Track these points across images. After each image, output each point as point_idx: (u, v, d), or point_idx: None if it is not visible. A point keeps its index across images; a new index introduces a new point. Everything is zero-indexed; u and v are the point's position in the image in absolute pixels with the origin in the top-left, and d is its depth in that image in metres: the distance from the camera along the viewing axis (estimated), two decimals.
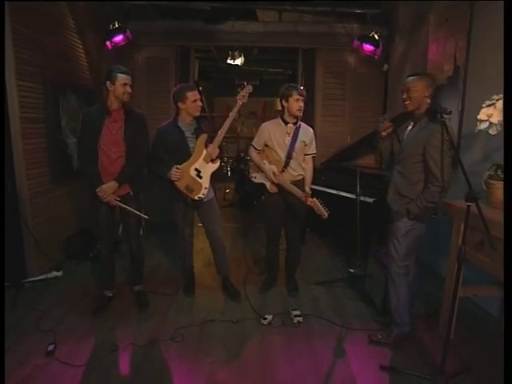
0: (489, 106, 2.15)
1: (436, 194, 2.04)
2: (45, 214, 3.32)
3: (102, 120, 2.44)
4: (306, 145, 2.79)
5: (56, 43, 3.41)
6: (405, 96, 2.14)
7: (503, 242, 1.63)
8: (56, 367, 2.09)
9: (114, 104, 2.45)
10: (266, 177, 2.77)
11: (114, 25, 3.85)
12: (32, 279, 3.09)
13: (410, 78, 2.16)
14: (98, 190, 2.44)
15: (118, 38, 3.89)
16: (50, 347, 2.22)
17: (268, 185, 2.80)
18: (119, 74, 2.39)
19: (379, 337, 2.36)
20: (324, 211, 2.50)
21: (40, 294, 2.93)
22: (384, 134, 2.30)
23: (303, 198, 2.58)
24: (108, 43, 3.91)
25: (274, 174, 2.71)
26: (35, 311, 2.64)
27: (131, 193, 2.59)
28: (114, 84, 2.39)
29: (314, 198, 2.54)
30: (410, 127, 2.24)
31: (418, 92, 2.10)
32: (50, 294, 2.94)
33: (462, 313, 2.42)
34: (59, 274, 3.24)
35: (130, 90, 2.44)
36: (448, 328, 1.88)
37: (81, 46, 3.85)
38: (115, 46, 3.94)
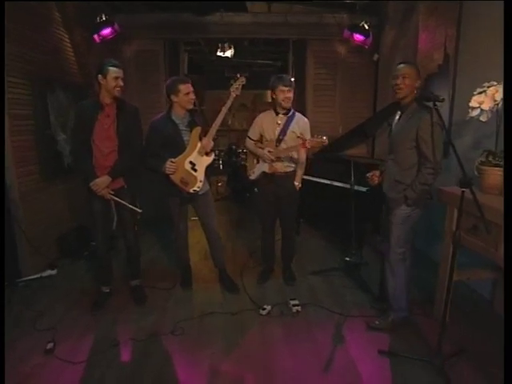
0: (480, 93, 2.18)
1: (429, 176, 2.09)
2: (37, 212, 3.27)
3: (95, 114, 2.41)
4: (297, 136, 2.80)
5: (42, 37, 3.33)
6: (398, 82, 2.13)
7: (503, 234, 1.66)
8: (56, 365, 2.08)
9: (106, 98, 2.42)
10: (262, 158, 2.78)
11: (102, 17, 3.77)
12: (26, 278, 3.05)
13: (403, 65, 2.17)
14: (91, 184, 2.42)
15: (106, 31, 3.81)
16: (49, 345, 2.21)
17: (267, 167, 2.81)
18: (110, 68, 2.36)
19: (376, 323, 2.41)
20: (322, 139, 2.51)
21: (35, 293, 2.90)
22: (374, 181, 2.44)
23: (301, 146, 2.63)
24: (96, 36, 3.83)
25: (269, 151, 2.72)
26: (31, 310, 2.62)
27: (125, 186, 2.57)
28: (105, 78, 2.36)
29: (309, 139, 2.59)
30: (397, 117, 2.28)
31: (412, 80, 2.12)
32: (45, 292, 2.91)
33: (455, 296, 2.48)
34: (54, 272, 3.21)
35: (121, 84, 2.41)
36: (444, 311, 1.93)
37: (68, 40, 3.75)
38: (103, 39, 3.86)
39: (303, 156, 2.87)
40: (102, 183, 2.43)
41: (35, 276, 3.10)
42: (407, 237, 2.25)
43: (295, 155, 2.84)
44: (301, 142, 2.62)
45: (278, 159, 2.76)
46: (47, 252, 3.35)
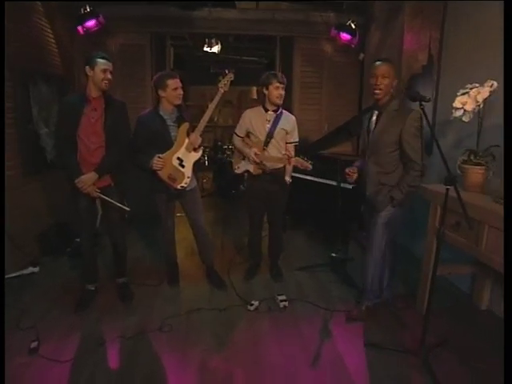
0: (463, 94, 2.24)
1: (417, 178, 2.14)
2: (18, 208, 3.17)
3: (81, 108, 2.35)
4: (287, 133, 2.82)
5: (23, 27, 3.22)
6: (378, 82, 2.08)
7: (503, 238, 1.68)
8: (41, 364, 2.04)
9: (93, 91, 2.37)
10: (249, 159, 2.78)
11: (86, 9, 3.67)
12: (7, 276, 2.96)
13: (381, 63, 2.09)
14: (76, 181, 2.36)
15: (91, 23, 3.70)
16: (33, 344, 2.16)
17: (252, 168, 2.81)
18: (99, 60, 2.32)
19: (354, 313, 2.49)
20: (308, 164, 2.53)
21: (17, 291, 2.82)
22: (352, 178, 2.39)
23: (286, 162, 2.64)
24: (80, 28, 3.72)
25: (255, 154, 2.72)
26: (13, 309, 2.54)
27: (112, 184, 2.53)
28: (93, 69, 2.31)
29: (296, 157, 2.59)
30: (374, 117, 2.22)
31: (391, 79, 2.09)
32: (28, 290, 2.84)
33: (435, 290, 2.57)
34: (36, 269, 3.13)
35: (109, 77, 2.36)
36: (428, 304, 2.00)
37: (50, 31, 3.64)
38: (87, 31, 3.76)
39: (292, 153, 2.88)
40: (88, 180, 2.37)
41: (16, 273, 3.02)
42: (393, 235, 2.32)
43: (283, 152, 2.84)
44: (286, 157, 2.66)
45: (262, 163, 2.75)
46: (28, 249, 3.26)
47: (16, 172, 3.16)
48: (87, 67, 2.32)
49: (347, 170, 2.40)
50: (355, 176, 2.39)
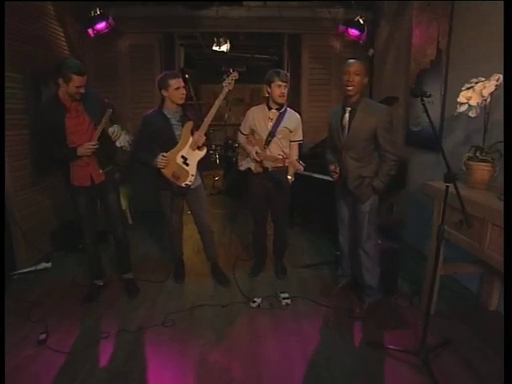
0: (468, 88, 2.18)
1: (393, 167, 2.29)
2: (31, 206, 3.29)
3: (63, 117, 2.33)
4: (290, 131, 2.81)
5: (34, 30, 3.32)
6: (350, 79, 2.21)
7: (504, 236, 1.66)
8: (48, 355, 2.12)
9: (70, 97, 2.34)
10: (250, 157, 2.79)
11: (96, 11, 3.75)
12: (21, 271, 3.08)
13: (353, 61, 2.26)
14: (78, 151, 2.35)
15: (101, 26, 3.78)
16: (42, 336, 2.25)
17: (253, 166, 2.82)
18: (74, 76, 2.22)
19: (357, 311, 2.49)
20: (300, 166, 2.49)
21: (30, 285, 2.93)
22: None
23: (283, 162, 2.62)
24: (90, 31, 3.81)
25: (256, 152, 2.72)
26: (25, 302, 2.65)
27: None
28: (67, 84, 2.25)
29: (288, 160, 2.57)
30: (347, 114, 2.32)
31: (362, 77, 2.22)
32: (40, 285, 2.94)
33: (443, 289, 2.53)
34: (48, 265, 3.24)
35: (82, 91, 2.30)
36: (428, 303, 1.96)
37: (61, 34, 3.75)
38: (98, 33, 3.84)
39: (295, 151, 2.87)
40: (87, 145, 2.36)
41: (30, 269, 3.13)
42: (376, 222, 2.43)
43: (286, 150, 2.83)
44: (283, 158, 2.64)
45: (262, 162, 2.75)
46: (41, 245, 3.38)
47: (28, 171, 3.27)
48: (61, 80, 2.25)
49: (332, 168, 2.47)
50: (338, 174, 2.47)
